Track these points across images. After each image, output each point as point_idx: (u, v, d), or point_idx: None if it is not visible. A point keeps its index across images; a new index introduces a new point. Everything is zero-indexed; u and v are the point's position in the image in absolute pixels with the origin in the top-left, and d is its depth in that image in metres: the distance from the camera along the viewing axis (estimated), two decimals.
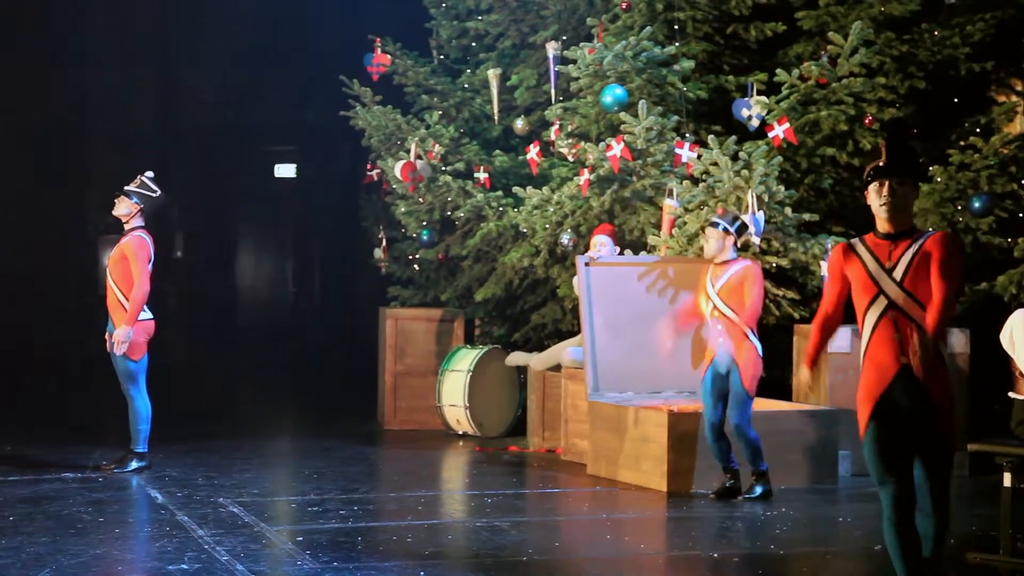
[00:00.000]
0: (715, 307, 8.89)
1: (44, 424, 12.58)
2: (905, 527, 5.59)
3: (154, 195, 9.89)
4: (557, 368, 11.24)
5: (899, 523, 5.58)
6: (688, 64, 10.94)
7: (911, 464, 5.59)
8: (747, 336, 8.84)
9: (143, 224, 9.85)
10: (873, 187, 5.63)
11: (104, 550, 7.26)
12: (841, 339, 10.01)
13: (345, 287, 19.20)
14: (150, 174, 9.94)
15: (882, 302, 5.58)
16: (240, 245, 20.78)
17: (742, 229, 9.12)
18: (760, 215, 9.89)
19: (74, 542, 7.39)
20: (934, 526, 5.65)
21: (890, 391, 5.55)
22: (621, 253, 10.68)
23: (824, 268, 10.10)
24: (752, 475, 8.97)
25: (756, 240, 10.00)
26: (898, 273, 5.57)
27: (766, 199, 10.08)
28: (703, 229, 9.61)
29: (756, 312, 8.87)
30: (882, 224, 5.64)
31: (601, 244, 10.64)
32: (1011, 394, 7.97)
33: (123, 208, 9.87)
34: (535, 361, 11.49)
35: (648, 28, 10.88)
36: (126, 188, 9.88)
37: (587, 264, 10.39)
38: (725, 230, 8.96)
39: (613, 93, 10.63)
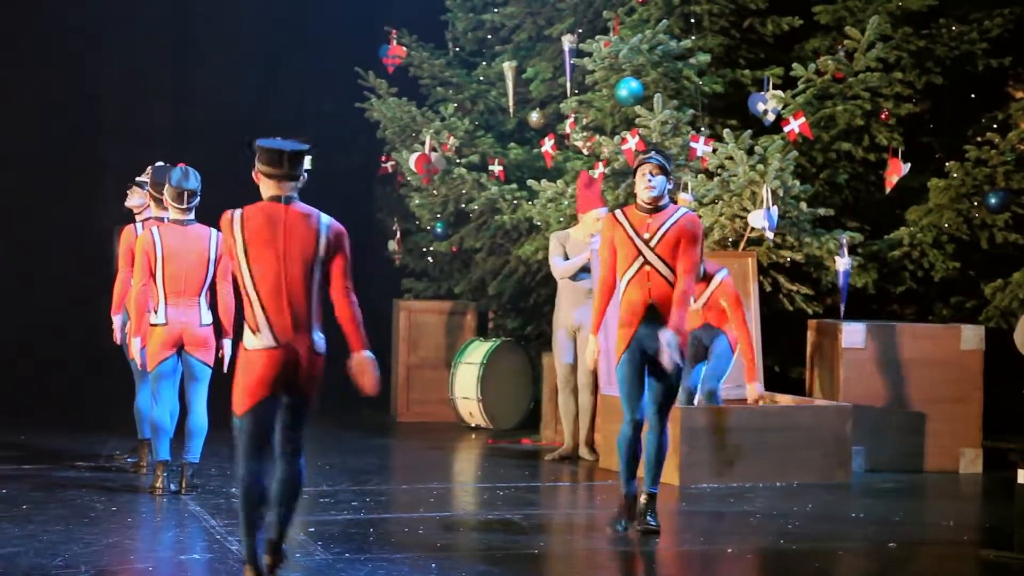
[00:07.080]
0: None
1: (58, 414, 12.60)
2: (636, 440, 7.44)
3: None
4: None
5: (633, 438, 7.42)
6: (704, 58, 10.92)
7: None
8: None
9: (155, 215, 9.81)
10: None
11: (116, 539, 7.27)
12: (856, 335, 9.98)
13: (358, 279, 19.12)
14: (161, 164, 9.92)
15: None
16: None
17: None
18: (775, 210, 9.86)
19: (87, 531, 7.40)
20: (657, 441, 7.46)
21: None
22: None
23: (839, 263, 10.08)
24: None
25: (770, 235, 9.98)
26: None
27: (781, 194, 10.05)
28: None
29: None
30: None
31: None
32: None
33: (136, 199, 9.86)
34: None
35: (664, 21, 10.86)
36: (138, 179, 9.87)
37: None
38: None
39: (628, 86, 10.61)
